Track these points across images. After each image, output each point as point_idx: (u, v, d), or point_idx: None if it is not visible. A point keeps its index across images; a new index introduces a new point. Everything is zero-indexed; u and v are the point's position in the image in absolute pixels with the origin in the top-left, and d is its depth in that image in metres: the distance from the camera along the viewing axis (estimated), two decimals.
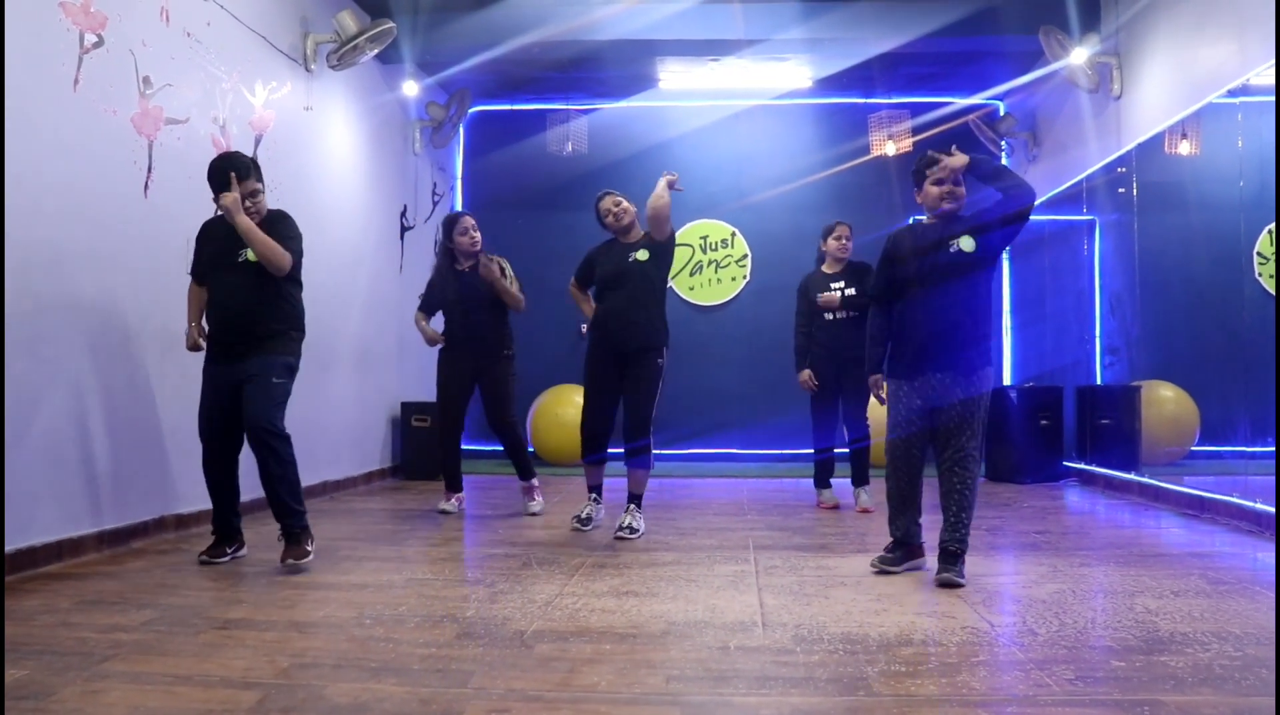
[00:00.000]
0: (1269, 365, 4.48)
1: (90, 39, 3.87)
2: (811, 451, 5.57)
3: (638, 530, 4.43)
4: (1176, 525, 4.80)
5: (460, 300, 5.17)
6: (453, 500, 5.28)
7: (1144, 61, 5.98)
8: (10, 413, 3.38)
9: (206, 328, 3.84)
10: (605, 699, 2.18)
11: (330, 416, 6.03)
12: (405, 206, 7.43)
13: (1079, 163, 6.84)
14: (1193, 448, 5.81)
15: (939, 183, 3.53)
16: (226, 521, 3.84)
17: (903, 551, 3.60)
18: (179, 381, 4.42)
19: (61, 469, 3.70)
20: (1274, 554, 3.93)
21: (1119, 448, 6.14)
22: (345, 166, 6.35)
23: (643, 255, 4.55)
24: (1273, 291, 4.78)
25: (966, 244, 3.48)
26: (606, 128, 8.46)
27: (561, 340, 8.13)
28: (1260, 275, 4.83)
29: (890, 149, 7.89)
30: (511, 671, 2.38)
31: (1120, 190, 6.24)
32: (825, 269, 5.42)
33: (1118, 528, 4.79)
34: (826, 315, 5.31)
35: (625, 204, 4.64)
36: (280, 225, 3.78)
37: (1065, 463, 6.87)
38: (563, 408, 7.54)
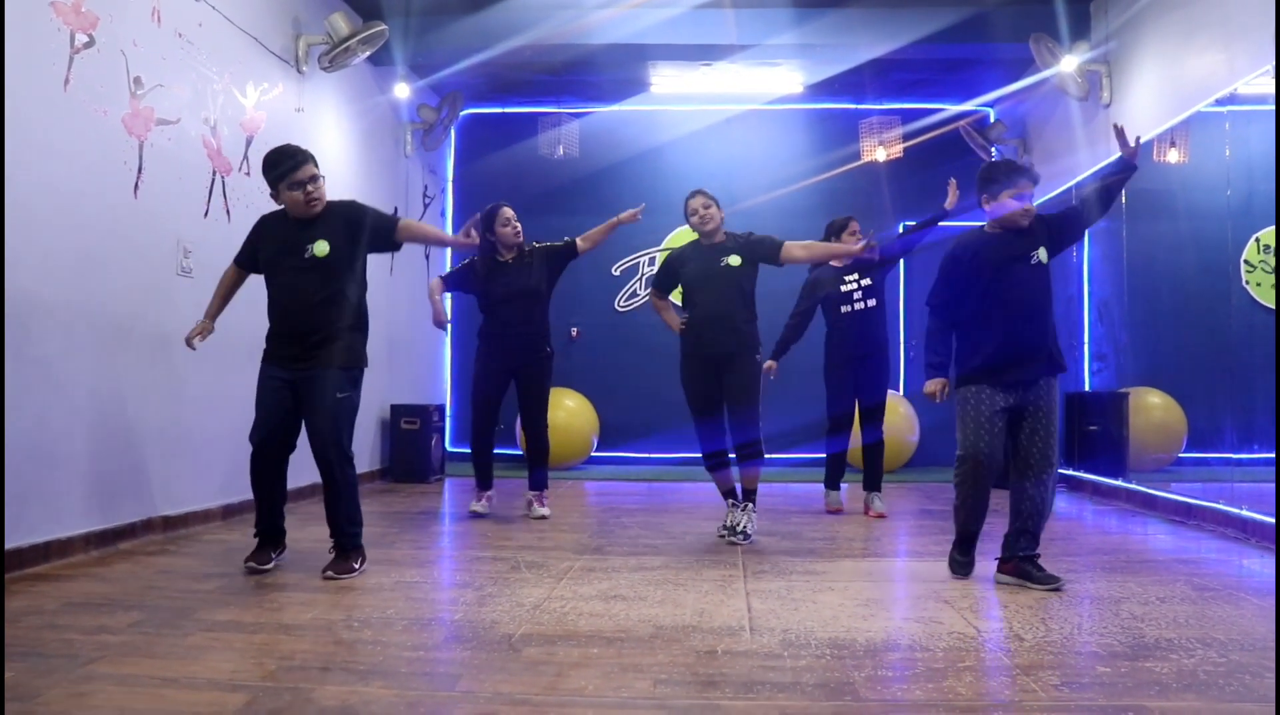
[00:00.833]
0: (1256, 372, 4.51)
1: (81, 39, 3.86)
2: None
3: (750, 536, 4.34)
4: (1163, 531, 4.83)
5: (506, 296, 5.09)
6: (484, 499, 5.27)
7: (1133, 70, 6.02)
8: None
9: (213, 330, 3.77)
10: (592, 703, 2.19)
11: None
12: (396, 209, 7.41)
13: (1068, 170, 6.88)
14: (1180, 454, 5.85)
15: (1021, 197, 3.44)
16: (274, 525, 3.72)
17: (973, 554, 3.66)
18: (168, 383, 4.41)
19: (49, 470, 3.68)
20: (1260, 561, 3.96)
21: (1106, 454, 6.16)
22: (336, 168, 6.33)
23: (735, 261, 4.40)
24: (1260, 299, 4.81)
25: (1044, 256, 3.50)
26: (598, 132, 8.46)
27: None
28: (1248, 283, 4.87)
29: (881, 155, 7.91)
30: (499, 675, 2.38)
31: None
32: (834, 263, 5.35)
33: (1105, 534, 4.81)
34: (843, 308, 5.26)
35: (715, 208, 4.50)
36: (362, 212, 3.69)
37: None
38: (552, 411, 7.48)
